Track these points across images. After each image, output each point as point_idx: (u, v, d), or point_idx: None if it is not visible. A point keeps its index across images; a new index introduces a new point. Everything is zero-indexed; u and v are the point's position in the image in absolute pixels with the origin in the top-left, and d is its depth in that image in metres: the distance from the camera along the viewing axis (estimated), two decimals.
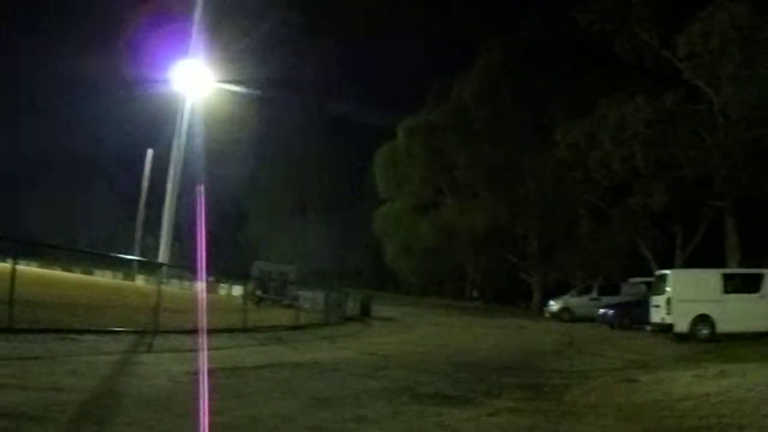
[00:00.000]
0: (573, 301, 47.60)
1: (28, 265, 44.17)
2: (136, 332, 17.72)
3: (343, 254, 79.31)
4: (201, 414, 8.68)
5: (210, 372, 12.45)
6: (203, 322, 17.51)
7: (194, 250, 21.21)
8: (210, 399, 9.61)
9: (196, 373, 12.51)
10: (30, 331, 15.14)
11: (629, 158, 46.72)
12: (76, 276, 57.29)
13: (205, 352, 14.36)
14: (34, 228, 72.08)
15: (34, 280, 25.03)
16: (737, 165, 43.91)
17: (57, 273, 54.29)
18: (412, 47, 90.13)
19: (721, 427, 10.31)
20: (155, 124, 66.38)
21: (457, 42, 78.21)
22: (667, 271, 31.59)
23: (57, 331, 15.86)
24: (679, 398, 13.05)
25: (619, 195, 51.83)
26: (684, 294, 28.73)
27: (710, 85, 45.64)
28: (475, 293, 75.49)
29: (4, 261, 24.05)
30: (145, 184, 75.35)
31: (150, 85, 60.59)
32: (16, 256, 17.59)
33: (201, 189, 38.24)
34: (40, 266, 54.84)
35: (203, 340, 15.65)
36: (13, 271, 15.80)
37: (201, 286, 27.91)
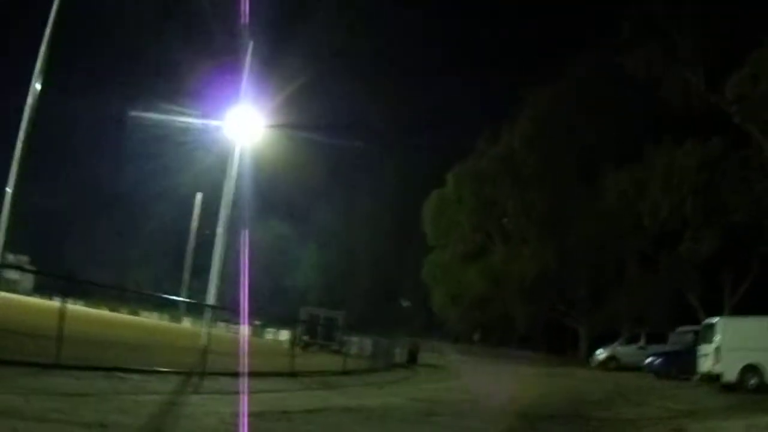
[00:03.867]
0: (620, 349, 47.16)
1: (74, 303, 44.42)
2: (183, 373, 17.63)
3: (391, 301, 79.10)
4: None
5: (257, 415, 12.32)
6: (245, 364, 17.36)
7: (240, 293, 21.18)
8: None
9: (244, 415, 12.36)
10: (77, 368, 15.06)
11: (679, 206, 46.38)
12: (122, 316, 57.61)
13: (251, 395, 14.24)
14: (81, 268, 72.67)
15: (81, 318, 25.08)
16: None
17: (103, 313, 54.57)
18: (462, 94, 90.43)
19: None
20: (206, 168, 66.85)
21: (505, 88, 78.31)
22: (715, 320, 31.01)
23: (104, 369, 15.79)
24: None
25: (668, 242, 51.30)
26: (733, 343, 28.17)
27: (760, 129, 45.18)
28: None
29: (51, 299, 24.17)
30: (194, 226, 75.86)
31: (201, 132, 61.05)
32: (66, 293, 17.61)
33: (245, 231, 38.33)
34: (86, 305, 55.12)
35: (244, 383, 15.48)
36: (63, 308, 15.83)
37: (246, 327, 27.82)
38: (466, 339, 73.45)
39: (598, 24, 56.24)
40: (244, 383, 15.83)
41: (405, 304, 74.08)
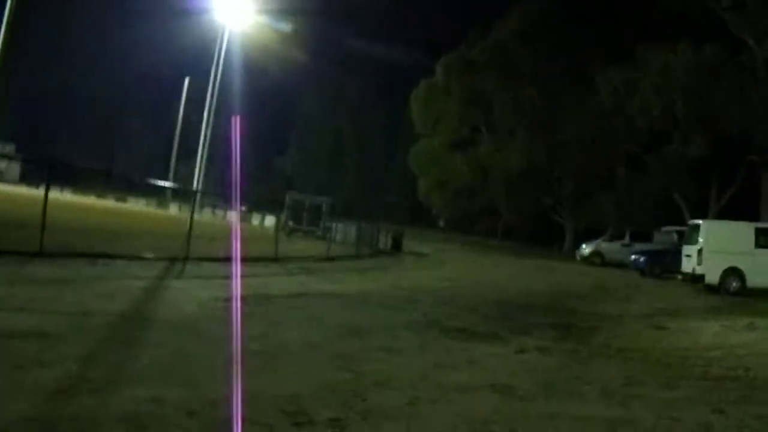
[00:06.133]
0: (605, 245, 47.45)
1: (61, 192, 44.42)
2: (167, 259, 17.79)
3: (379, 189, 79.42)
4: (228, 339, 8.69)
5: (240, 299, 12.49)
6: (236, 249, 17.51)
7: (228, 179, 21.25)
8: (240, 325, 9.63)
9: (226, 299, 12.56)
10: (61, 255, 15.21)
11: (670, 106, 46.29)
12: (109, 203, 57.59)
13: (237, 279, 14.41)
14: (69, 155, 72.56)
15: (67, 206, 25.17)
16: None
17: (90, 200, 54.51)
18: None
19: (748, 379, 10.25)
20: (194, 53, 66.30)
21: None
22: (700, 221, 31.23)
23: (88, 256, 15.92)
24: (707, 347, 13.00)
25: (658, 143, 51.34)
26: (716, 245, 28.40)
27: (754, 37, 44.93)
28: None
29: (38, 188, 24.17)
30: (181, 111, 75.42)
31: (190, 15, 60.43)
32: (51, 181, 17.62)
33: (236, 118, 38.14)
34: (74, 193, 55.11)
35: (236, 268, 15.64)
36: (45, 195, 15.89)
37: (237, 214, 27.96)
38: (452, 227, 73.95)
39: None
40: (229, 268, 16.02)
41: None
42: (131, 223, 30.12)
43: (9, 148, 56.37)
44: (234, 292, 13.10)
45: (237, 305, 11.71)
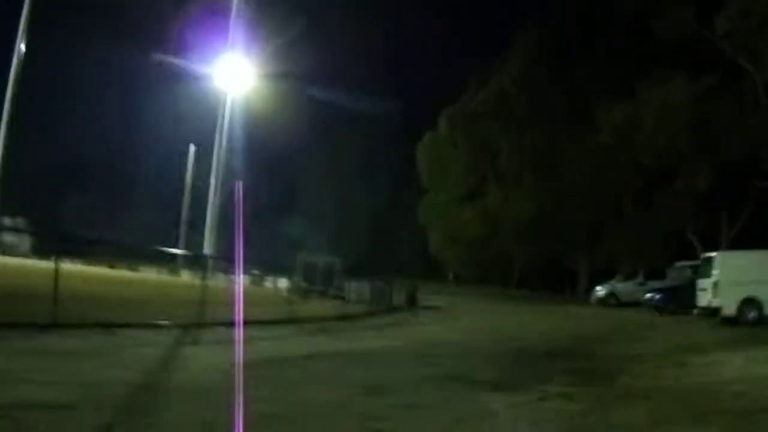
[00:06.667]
0: (619, 286, 47.39)
1: (72, 263, 44.47)
2: (181, 325, 17.71)
3: (389, 245, 79.33)
4: (249, 403, 8.58)
5: (258, 363, 12.43)
6: (240, 313, 17.40)
7: (238, 243, 21.20)
8: (258, 388, 9.55)
9: (242, 364, 12.46)
10: (75, 326, 15.12)
11: (673, 140, 46.38)
12: (121, 273, 57.57)
13: (250, 343, 14.33)
14: (79, 226, 72.60)
15: (79, 277, 25.12)
16: None
17: (102, 270, 54.49)
18: (451, 38, 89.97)
19: None
20: (197, 119, 66.65)
21: (493, 29, 78.10)
22: (713, 254, 31.21)
23: (102, 326, 15.84)
24: (731, 381, 12.87)
25: (664, 178, 51.31)
26: (731, 276, 28.35)
27: (752, 62, 45.13)
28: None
29: (49, 260, 24.19)
30: (188, 179, 75.68)
31: (192, 81, 60.83)
32: (62, 253, 17.63)
33: (239, 184, 38.51)
34: (86, 264, 55.15)
35: (239, 332, 15.54)
36: (56, 267, 15.90)
37: (240, 277, 27.85)
38: (465, 280, 73.71)
39: None
40: (244, 332, 15.93)
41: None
42: (144, 290, 30.11)
43: (20, 222, 56.50)
44: (250, 355, 12.99)
45: (255, 369, 11.63)
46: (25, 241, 57.70)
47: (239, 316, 16.67)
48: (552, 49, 58.58)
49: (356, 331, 22.97)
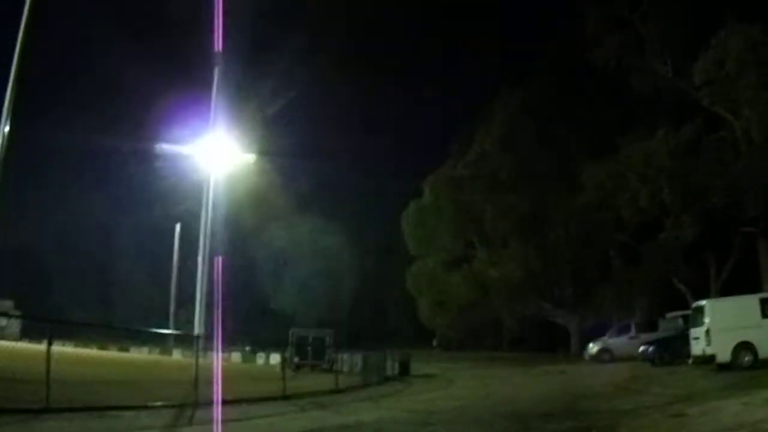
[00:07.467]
0: (611, 341, 47.38)
1: (63, 345, 44.27)
2: (175, 406, 17.57)
3: (379, 315, 79.27)
4: None
5: None
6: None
7: (229, 321, 21.15)
8: None
9: None
10: (68, 410, 15.00)
11: (657, 194, 46.67)
12: (112, 354, 57.30)
13: (245, 422, 14.22)
14: (67, 307, 72.43)
15: (70, 359, 24.98)
16: (766, 187, 43.54)
17: (93, 352, 54.23)
18: (431, 103, 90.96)
19: None
20: (181, 198, 66.81)
21: (473, 93, 78.99)
22: (703, 302, 31.32)
23: (95, 409, 15.74)
24: (731, 428, 12.86)
25: (649, 231, 51.49)
26: (723, 323, 28.46)
27: (730, 110, 45.61)
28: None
29: (40, 342, 24.03)
30: (175, 257, 75.54)
31: (175, 160, 61.11)
32: (51, 336, 17.54)
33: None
34: (75, 346, 54.81)
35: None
36: (48, 351, 15.82)
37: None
38: (457, 346, 73.48)
39: (561, 21, 56.49)
40: (241, 410, 15.80)
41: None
42: (136, 371, 29.95)
43: (8, 305, 56.35)
44: None
45: None
46: (14, 324, 57.45)
47: (217, 395, 16.60)
48: (533, 109, 58.97)
49: (351, 404, 22.81)
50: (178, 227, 75.30)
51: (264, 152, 61.53)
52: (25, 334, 56.32)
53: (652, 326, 44.76)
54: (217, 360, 27.15)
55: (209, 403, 18.35)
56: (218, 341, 25.57)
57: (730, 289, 45.41)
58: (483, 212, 64.36)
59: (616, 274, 58.29)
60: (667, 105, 48.27)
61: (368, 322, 73.43)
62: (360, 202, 78.93)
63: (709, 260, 51.90)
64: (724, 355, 28.02)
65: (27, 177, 69.97)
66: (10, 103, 25.83)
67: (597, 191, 50.71)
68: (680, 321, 39.64)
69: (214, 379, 18.09)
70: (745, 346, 27.94)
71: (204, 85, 56.74)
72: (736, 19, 43.18)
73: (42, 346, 17.40)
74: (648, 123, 48.18)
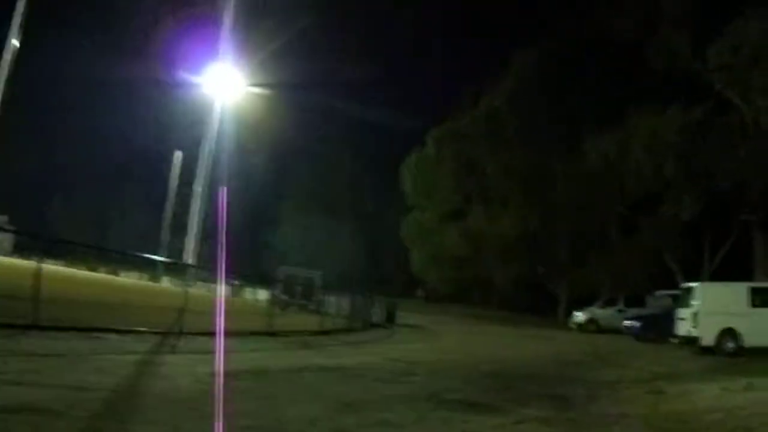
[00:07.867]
0: (599, 312, 47.56)
1: (54, 263, 44.37)
2: (160, 333, 17.66)
3: (371, 261, 79.26)
4: (225, 415, 8.57)
5: (235, 374, 12.40)
6: (221, 323, 17.36)
7: (219, 249, 21.12)
8: (234, 401, 9.54)
9: (220, 374, 12.42)
10: (55, 328, 15.08)
11: (660, 168, 46.58)
12: (101, 276, 57.32)
13: (229, 354, 14.29)
14: (62, 228, 72.54)
15: (60, 278, 25.03)
16: None
17: (82, 273, 54.24)
18: (443, 54, 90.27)
19: None
20: (185, 126, 66.64)
21: (488, 50, 78.25)
22: (694, 284, 31.34)
23: (82, 329, 15.82)
24: (707, 410, 12.92)
25: (650, 205, 51.52)
26: (711, 307, 28.48)
27: (741, 96, 45.39)
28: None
29: (29, 259, 24.03)
30: (172, 185, 75.36)
31: (181, 88, 60.91)
32: (42, 254, 17.58)
33: (224, 189, 38.40)
34: (66, 265, 54.86)
35: (219, 342, 15.48)
36: (39, 268, 15.87)
37: (222, 287, 27.70)
38: (445, 299, 73.59)
39: None
40: (224, 343, 15.88)
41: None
42: (124, 296, 29.94)
43: (2, 219, 56.50)
44: (229, 366, 12.96)
45: (233, 380, 11.61)
46: (6, 239, 57.51)
47: (220, 326, 16.65)
48: (547, 72, 58.63)
49: (334, 346, 22.90)
50: (178, 155, 75.08)
51: (271, 84, 61.33)
52: (17, 250, 56.45)
53: (639, 302, 44.82)
54: (223, 291, 27.29)
55: (193, 332, 18.46)
56: (222, 272, 25.59)
57: (721, 274, 45.70)
58: (485, 168, 64.27)
59: (612, 245, 58.45)
60: (679, 84, 47.97)
61: (360, 267, 73.35)
62: (363, 145, 78.69)
63: (704, 243, 52.09)
64: (708, 339, 28.11)
65: (31, 98, 69.80)
66: (20, 19, 25.65)
67: (601, 159, 50.66)
68: (669, 300, 39.60)
69: (217, 311, 18.15)
70: (730, 333, 28.02)
71: (215, 15, 56.48)
72: (755, 5, 42.89)
73: (32, 263, 17.44)
74: (659, 100, 47.96)
